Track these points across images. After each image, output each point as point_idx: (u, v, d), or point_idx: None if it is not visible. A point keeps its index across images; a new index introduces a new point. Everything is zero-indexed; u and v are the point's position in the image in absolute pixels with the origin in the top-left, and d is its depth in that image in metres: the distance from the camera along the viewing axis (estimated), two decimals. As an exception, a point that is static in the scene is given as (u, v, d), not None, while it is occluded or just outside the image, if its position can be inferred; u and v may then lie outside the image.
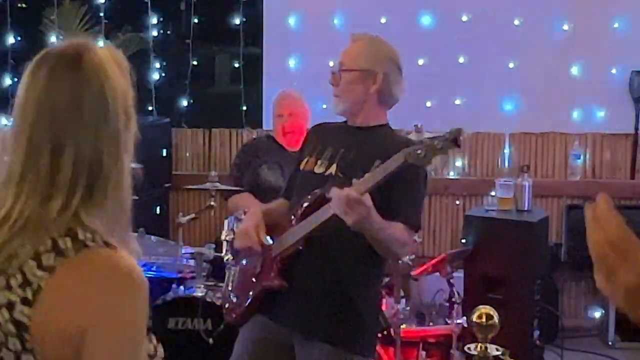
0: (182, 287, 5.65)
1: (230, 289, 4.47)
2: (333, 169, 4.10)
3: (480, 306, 3.33)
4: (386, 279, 5.65)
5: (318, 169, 4.16)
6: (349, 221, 3.66)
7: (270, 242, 4.14)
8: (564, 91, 7.35)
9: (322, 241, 3.96)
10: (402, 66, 4.20)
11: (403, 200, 3.90)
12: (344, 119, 4.32)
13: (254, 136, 7.41)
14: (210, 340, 5.20)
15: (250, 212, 4.38)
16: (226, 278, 4.66)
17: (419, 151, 3.61)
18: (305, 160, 4.25)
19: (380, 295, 4.69)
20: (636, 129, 7.36)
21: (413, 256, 5.72)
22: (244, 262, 4.35)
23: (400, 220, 3.93)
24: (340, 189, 3.73)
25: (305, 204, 4.06)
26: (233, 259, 4.70)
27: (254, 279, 4.21)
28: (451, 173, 7.47)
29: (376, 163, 3.88)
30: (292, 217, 4.13)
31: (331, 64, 4.78)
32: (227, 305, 4.40)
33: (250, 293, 4.19)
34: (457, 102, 7.23)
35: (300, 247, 4.03)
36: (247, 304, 4.19)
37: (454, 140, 3.58)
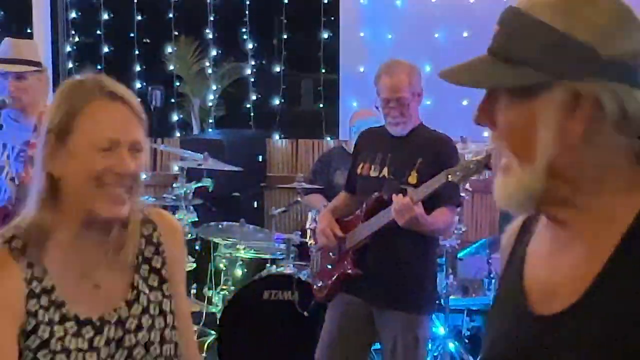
0: (274, 266, 5.66)
1: (315, 272, 4.58)
2: (385, 172, 4.15)
3: (512, 280, 3.27)
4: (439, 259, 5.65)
5: (373, 173, 4.20)
6: (400, 222, 3.79)
7: (342, 235, 4.25)
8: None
9: (386, 232, 4.00)
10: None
11: (443, 188, 3.86)
12: (382, 123, 4.35)
13: (330, 147, 7.32)
14: (305, 314, 5.12)
15: (321, 215, 4.51)
16: (311, 263, 4.77)
17: (457, 172, 3.67)
18: (361, 165, 4.28)
19: (437, 265, 4.67)
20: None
21: (459, 241, 5.69)
22: (324, 251, 4.45)
23: (444, 204, 4.01)
24: (397, 194, 3.84)
25: (368, 206, 4.13)
26: (315, 244, 4.74)
27: (334, 267, 4.31)
28: (490, 173, 7.35)
29: (419, 160, 4.05)
30: (359, 215, 4.21)
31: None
32: (315, 287, 4.49)
33: (333, 278, 4.28)
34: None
35: (368, 240, 4.13)
36: (330, 286, 4.29)
37: (485, 165, 3.61)
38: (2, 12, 8.15)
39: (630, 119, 1.33)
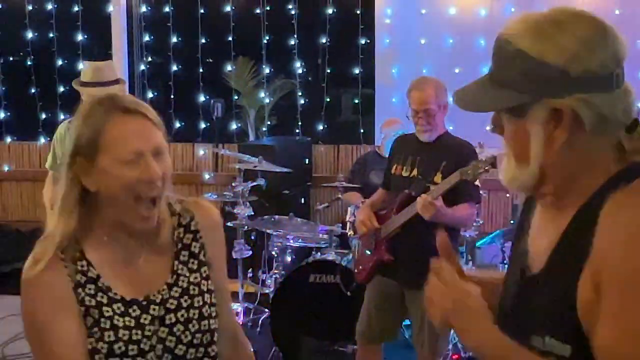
0: (319, 253, 5.73)
1: (356, 258, 4.65)
2: (415, 172, 4.26)
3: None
4: (460, 248, 5.66)
5: (404, 173, 4.31)
6: (426, 216, 3.94)
7: (378, 226, 4.34)
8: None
9: (414, 224, 4.11)
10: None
11: (463, 186, 3.97)
12: (410, 131, 4.45)
13: (365, 151, 7.40)
14: (348, 293, 5.15)
15: (361, 208, 4.58)
16: (352, 250, 4.87)
17: (469, 171, 3.80)
18: (395, 166, 4.39)
19: (458, 253, 4.63)
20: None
21: (477, 232, 5.81)
22: (363, 240, 4.53)
23: (465, 200, 4.11)
24: (424, 191, 3.98)
25: (399, 201, 4.25)
26: (355, 234, 4.84)
27: (371, 253, 4.40)
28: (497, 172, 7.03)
29: (443, 163, 4.14)
30: (392, 209, 4.31)
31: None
32: (356, 270, 4.56)
33: (370, 263, 4.38)
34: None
35: (400, 230, 4.25)
36: (368, 269, 4.39)
37: (492, 164, 3.71)
38: (85, 37, 8.37)
39: (608, 119, 1.41)
